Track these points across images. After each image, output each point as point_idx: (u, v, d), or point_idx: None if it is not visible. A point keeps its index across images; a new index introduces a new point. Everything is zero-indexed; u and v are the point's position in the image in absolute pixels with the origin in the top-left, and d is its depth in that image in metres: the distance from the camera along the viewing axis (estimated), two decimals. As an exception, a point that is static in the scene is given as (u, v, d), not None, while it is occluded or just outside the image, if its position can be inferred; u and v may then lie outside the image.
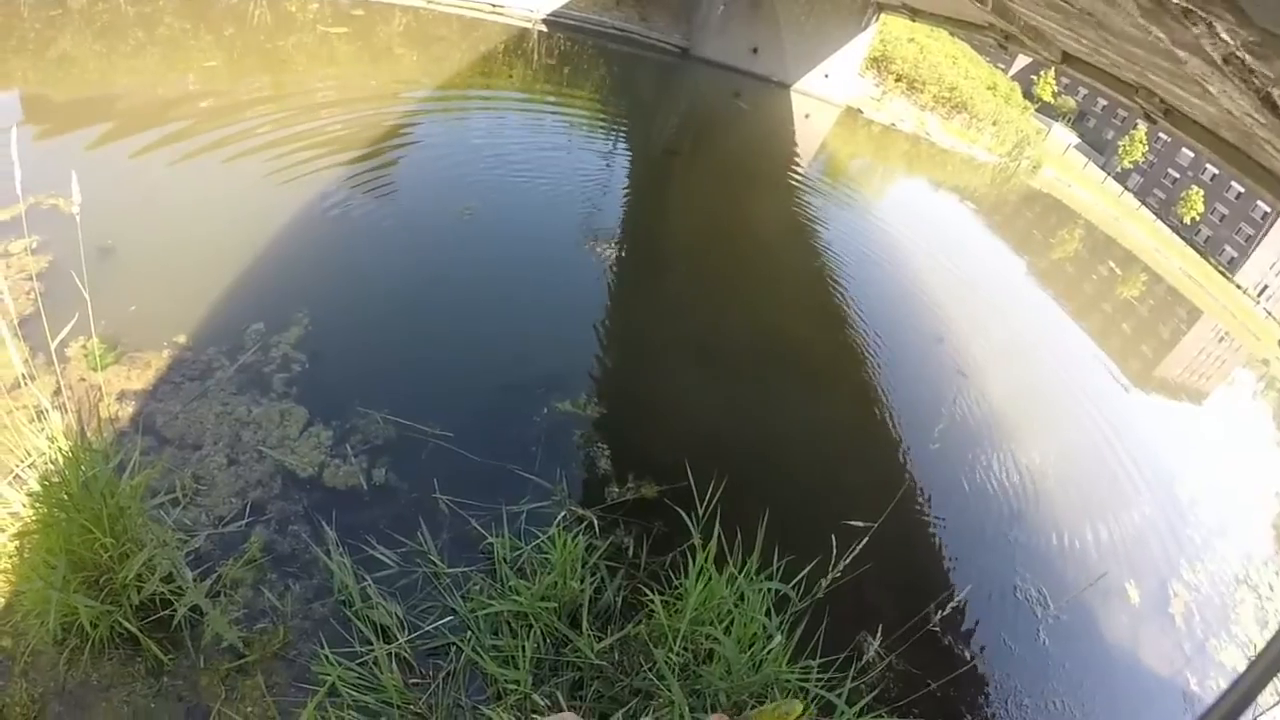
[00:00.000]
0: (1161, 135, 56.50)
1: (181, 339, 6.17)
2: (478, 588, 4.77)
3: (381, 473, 5.69)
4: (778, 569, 4.77)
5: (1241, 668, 9.62)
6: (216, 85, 11.39)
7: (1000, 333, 15.30)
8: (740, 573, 4.61)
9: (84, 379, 5.61)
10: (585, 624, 4.50)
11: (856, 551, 4.68)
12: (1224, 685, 9.01)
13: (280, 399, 6.01)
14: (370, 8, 15.88)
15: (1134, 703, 8.21)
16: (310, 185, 9.17)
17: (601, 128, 14.41)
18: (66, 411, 4.70)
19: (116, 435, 5.15)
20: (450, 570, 4.90)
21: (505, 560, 4.89)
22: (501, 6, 17.01)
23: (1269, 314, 59.76)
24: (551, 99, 14.81)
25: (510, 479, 5.95)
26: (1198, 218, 60.01)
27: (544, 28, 17.50)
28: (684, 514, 4.74)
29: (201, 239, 7.60)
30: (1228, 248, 60.45)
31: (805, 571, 4.83)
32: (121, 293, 6.42)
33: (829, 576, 4.69)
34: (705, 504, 4.71)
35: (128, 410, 5.50)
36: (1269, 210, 56.15)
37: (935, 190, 23.68)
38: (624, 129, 14.77)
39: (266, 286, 7.18)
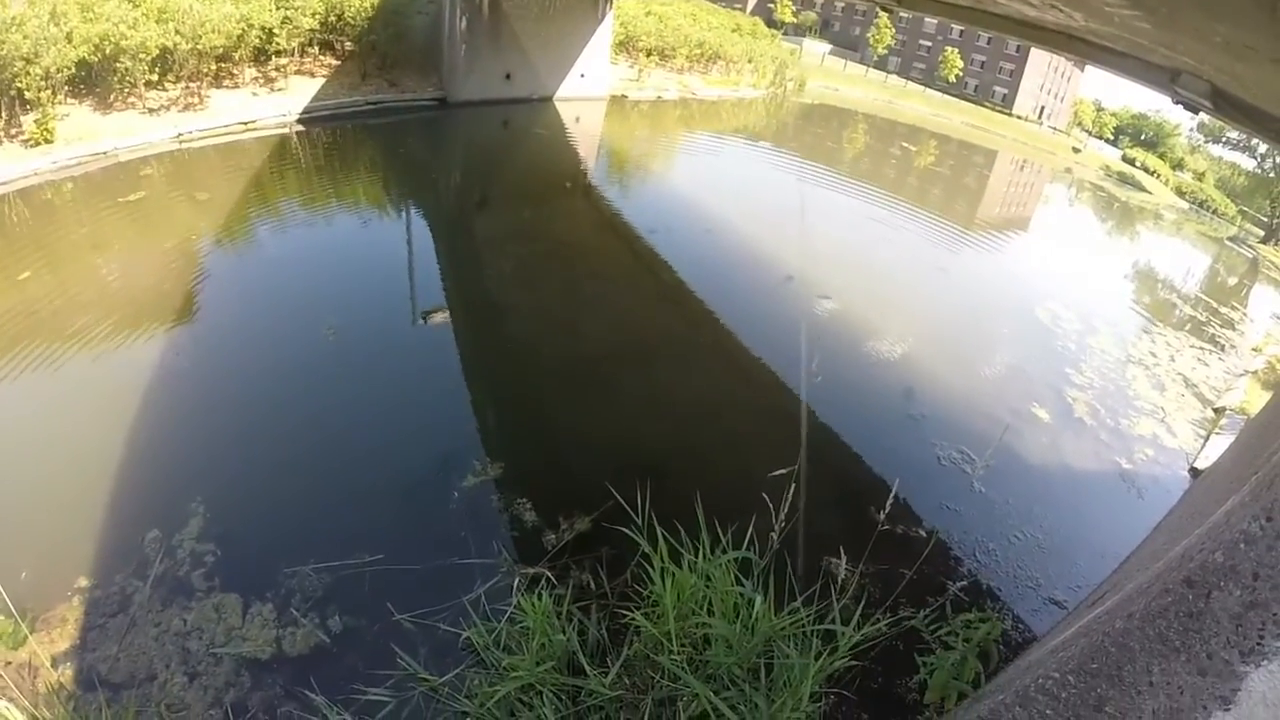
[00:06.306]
0: (903, 15, 60.06)
1: (83, 581, 5.86)
2: (476, 682, 4.85)
3: (336, 620, 5.60)
4: (729, 540, 5.07)
5: (1157, 433, 10.68)
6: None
7: (833, 245, 16.18)
8: (698, 557, 4.88)
9: (9, 662, 5.33)
10: (586, 666, 4.67)
11: (790, 495, 5.06)
12: (1148, 454, 10.01)
13: (208, 595, 5.76)
14: (124, 169, 14.72)
15: (1080, 504, 8.97)
16: (129, 366, 8.52)
17: (395, 209, 14.21)
18: (10, 702, 4.51)
19: (72, 704, 4.95)
20: (442, 679, 4.96)
21: (488, 647, 5.00)
22: (253, 121, 16.47)
23: (1054, 129, 65.10)
24: (335, 197, 14.34)
25: (454, 570, 6.03)
26: (960, 73, 64.69)
27: (301, 127, 16.93)
28: (625, 530, 4.95)
29: (45, 469, 6.93)
30: (997, 88, 65.60)
31: (752, 529, 5.17)
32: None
33: (777, 527, 5.04)
34: (640, 512, 4.95)
35: (69, 673, 5.21)
36: (1019, 43, 60.92)
37: (720, 140, 24.68)
38: (423, 201, 14.67)
39: (141, 487, 6.71)
